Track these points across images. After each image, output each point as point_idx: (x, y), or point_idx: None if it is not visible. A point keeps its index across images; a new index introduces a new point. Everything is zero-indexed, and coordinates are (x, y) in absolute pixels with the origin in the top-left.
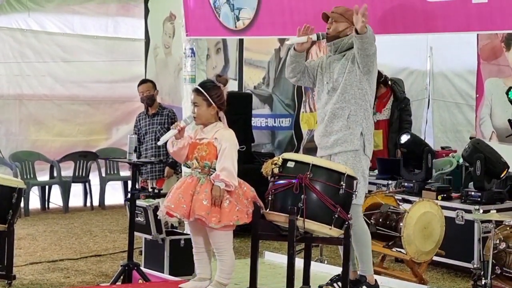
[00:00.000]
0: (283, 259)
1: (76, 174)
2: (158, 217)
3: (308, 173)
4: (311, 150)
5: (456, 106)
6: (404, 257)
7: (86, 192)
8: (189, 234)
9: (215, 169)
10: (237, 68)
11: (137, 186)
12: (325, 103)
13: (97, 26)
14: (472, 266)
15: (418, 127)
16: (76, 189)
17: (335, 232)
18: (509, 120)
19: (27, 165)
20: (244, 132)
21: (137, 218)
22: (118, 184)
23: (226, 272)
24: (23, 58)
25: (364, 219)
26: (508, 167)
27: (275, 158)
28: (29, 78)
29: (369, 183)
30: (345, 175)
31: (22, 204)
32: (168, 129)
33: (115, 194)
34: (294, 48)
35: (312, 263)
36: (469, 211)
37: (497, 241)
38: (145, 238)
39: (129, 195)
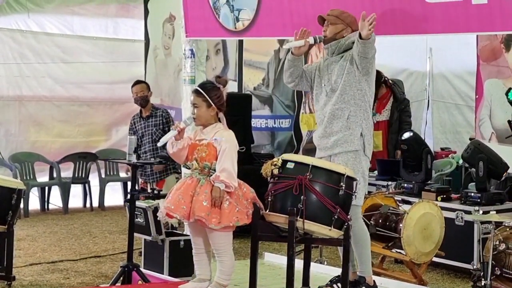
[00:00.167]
0: (282, 260)
1: (76, 175)
2: (158, 218)
3: (307, 174)
4: (311, 151)
5: (456, 107)
6: (403, 258)
7: (86, 193)
8: (188, 235)
9: (215, 170)
10: (237, 69)
11: (136, 187)
12: (324, 104)
13: (96, 27)
14: (471, 267)
15: (417, 128)
16: (76, 190)
17: (334, 233)
18: (508, 121)
19: (27, 166)
20: (243, 133)
21: (136, 219)
22: (118, 185)
23: (226, 273)
24: (22, 59)
25: (364, 220)
26: (508, 168)
27: (275, 159)
28: (28, 79)
29: (369, 184)
30: (345, 176)
31: (21, 205)
32: (163, 129)
33: (114, 195)
34: (291, 52)
35: (312, 264)
36: (468, 212)
37: (497, 242)
38: (145, 239)
39: (128, 196)
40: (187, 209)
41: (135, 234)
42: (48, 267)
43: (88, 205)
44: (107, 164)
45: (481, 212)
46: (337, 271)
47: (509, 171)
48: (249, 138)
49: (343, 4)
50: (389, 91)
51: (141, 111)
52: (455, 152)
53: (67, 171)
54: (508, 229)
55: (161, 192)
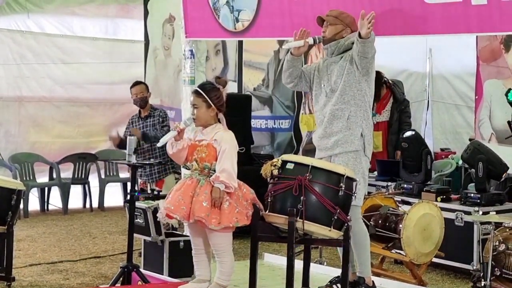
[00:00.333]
0: (282, 260)
1: (76, 175)
2: (158, 219)
3: (307, 174)
4: (311, 151)
5: (456, 108)
6: (403, 258)
7: (86, 194)
8: (188, 236)
9: (214, 170)
10: (237, 69)
11: (136, 188)
12: (324, 105)
13: (96, 28)
14: (471, 267)
15: (417, 128)
16: (76, 191)
17: (334, 233)
18: (508, 122)
19: (27, 166)
20: (243, 134)
21: (136, 220)
22: (118, 186)
23: (226, 274)
24: (22, 59)
25: (364, 221)
26: (508, 169)
27: (275, 160)
28: (28, 80)
29: (369, 184)
30: (345, 176)
31: (21, 206)
32: (159, 128)
33: (114, 196)
34: (291, 52)
35: (312, 264)
36: (468, 213)
37: (497, 243)
38: (145, 240)
39: (128, 197)
40: (187, 209)
41: (135, 235)
42: (47, 267)
43: (88, 205)
44: (106, 164)
45: (480, 212)
46: (337, 272)
47: (509, 171)
48: (249, 139)
49: (342, 5)
50: (389, 92)
51: (140, 111)
52: (454, 153)
53: (67, 171)
54: (508, 230)
55: (160, 193)
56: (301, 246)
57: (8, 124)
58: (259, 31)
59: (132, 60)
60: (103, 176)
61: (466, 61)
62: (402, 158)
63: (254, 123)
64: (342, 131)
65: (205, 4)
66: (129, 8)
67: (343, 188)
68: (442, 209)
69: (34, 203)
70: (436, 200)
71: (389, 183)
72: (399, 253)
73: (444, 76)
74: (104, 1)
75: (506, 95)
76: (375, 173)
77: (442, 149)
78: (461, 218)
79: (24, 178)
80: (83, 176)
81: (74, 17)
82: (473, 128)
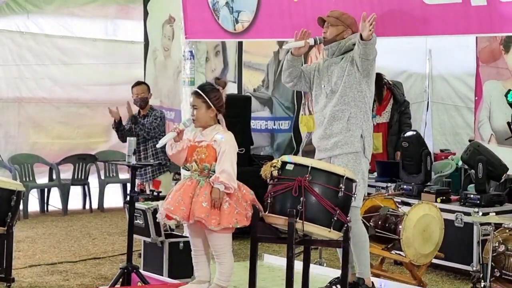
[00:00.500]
0: (282, 261)
1: (75, 176)
2: (157, 220)
3: (307, 175)
4: (310, 152)
5: (455, 109)
6: (403, 259)
7: (85, 195)
8: (188, 237)
9: (214, 171)
10: (236, 70)
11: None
12: (324, 106)
13: (96, 29)
14: (471, 268)
15: (417, 129)
16: (75, 192)
17: (334, 234)
18: (508, 123)
19: (26, 167)
20: (243, 135)
21: (136, 221)
22: (117, 187)
23: (225, 275)
24: (22, 60)
25: (363, 222)
26: (508, 170)
27: (274, 161)
28: (28, 81)
29: (368, 185)
30: (344, 177)
31: (21, 207)
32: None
33: (114, 197)
34: (291, 52)
35: (311, 265)
36: (468, 214)
37: (496, 244)
38: (144, 241)
39: (128, 198)
40: (187, 210)
41: (135, 236)
42: (47, 268)
43: (87, 206)
44: (106, 165)
45: (480, 213)
46: (337, 273)
47: (508, 172)
48: (249, 140)
49: (342, 6)
50: (389, 93)
51: (139, 111)
52: (454, 154)
53: (66, 172)
54: (507, 231)
55: (160, 194)
56: (301, 247)
57: (8, 125)
58: (259, 32)
59: (132, 61)
60: (102, 177)
61: (466, 62)
62: (402, 158)
63: (254, 124)
64: (342, 132)
65: (205, 5)
66: (129, 9)
67: (342, 189)
68: (442, 210)
69: (33, 204)
70: (436, 201)
71: (389, 184)
72: (398, 254)
73: (443, 77)
74: (104, 2)
75: (506, 96)
76: (375, 174)
77: (441, 150)
78: (461, 219)
79: (24, 179)
80: (82, 177)
81: (74, 18)
82: (472, 129)
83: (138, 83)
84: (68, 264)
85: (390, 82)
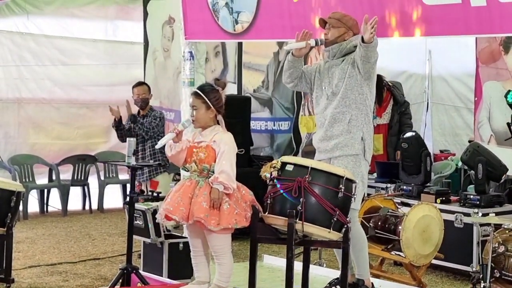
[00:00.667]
0: (282, 262)
1: (75, 177)
2: (157, 220)
3: (307, 176)
4: (310, 153)
5: (455, 110)
6: (403, 260)
7: (85, 196)
8: (187, 238)
9: (213, 172)
10: (236, 71)
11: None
12: (325, 107)
13: (96, 30)
14: (471, 269)
15: (417, 130)
16: (75, 193)
17: (334, 235)
18: (508, 124)
19: (26, 168)
20: (242, 136)
21: (136, 222)
22: (117, 188)
23: (225, 276)
24: (22, 61)
25: (363, 222)
26: (507, 170)
27: (274, 162)
28: (28, 82)
29: (368, 186)
30: (344, 178)
31: (21, 208)
32: (154, 127)
33: (114, 198)
34: (292, 53)
35: (311, 266)
36: (468, 215)
37: (496, 245)
38: (144, 242)
39: (128, 199)
40: (186, 211)
41: (134, 237)
42: (47, 269)
43: (87, 207)
44: (106, 166)
45: (480, 214)
46: (336, 274)
47: (508, 173)
48: (248, 141)
49: (342, 7)
50: (389, 94)
51: (138, 111)
52: (454, 155)
53: (66, 173)
54: (507, 231)
55: (160, 194)
56: (301, 248)
57: (8, 125)
58: (259, 33)
59: (132, 61)
60: (102, 178)
61: (466, 63)
62: (402, 159)
63: (254, 124)
64: (342, 134)
65: (205, 5)
66: (129, 9)
67: (342, 190)
68: (442, 210)
69: (33, 205)
70: (436, 202)
71: (389, 185)
72: (398, 254)
73: (443, 78)
74: (104, 3)
75: (506, 96)
76: (375, 174)
77: (441, 151)
78: (461, 220)
79: (24, 180)
80: (82, 178)
81: (74, 19)
82: (472, 129)
83: (139, 84)
84: (67, 264)
85: (390, 84)
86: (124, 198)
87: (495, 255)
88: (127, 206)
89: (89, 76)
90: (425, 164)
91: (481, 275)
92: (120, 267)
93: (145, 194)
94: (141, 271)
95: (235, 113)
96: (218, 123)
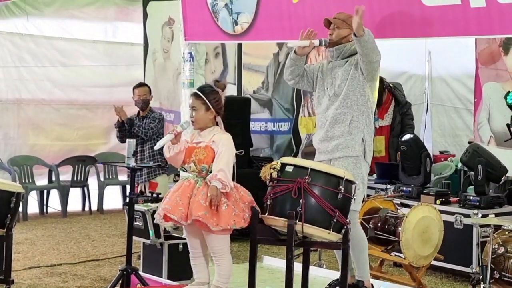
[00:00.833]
0: (281, 263)
1: (75, 178)
2: (155, 221)
3: (306, 177)
4: (310, 154)
5: (455, 111)
6: (402, 261)
7: (85, 197)
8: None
9: (212, 172)
10: (236, 72)
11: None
12: (326, 108)
13: (95, 31)
14: (470, 270)
15: (417, 131)
16: (75, 194)
17: (333, 236)
18: (507, 125)
19: (26, 169)
20: (242, 137)
21: (135, 223)
22: (117, 189)
23: (224, 277)
24: (21, 62)
25: (363, 224)
26: (507, 172)
27: (274, 163)
28: (27, 83)
29: (368, 187)
30: (344, 179)
31: (20, 209)
32: (153, 127)
33: (113, 199)
34: (294, 51)
35: (311, 267)
36: (467, 216)
37: (496, 246)
38: (144, 243)
39: (127, 200)
40: (185, 210)
41: (134, 238)
42: (47, 270)
43: (87, 208)
44: (106, 167)
45: (480, 215)
46: (336, 275)
47: (508, 174)
48: (248, 142)
49: (342, 8)
50: (390, 96)
51: (138, 112)
52: (454, 156)
53: (66, 174)
54: (507, 233)
55: (159, 196)
56: (300, 249)
57: (7, 126)
58: (258, 34)
59: (132, 62)
60: (102, 179)
61: (465, 64)
62: (401, 159)
63: (254, 125)
64: (343, 136)
65: (204, 7)
66: (129, 11)
67: (342, 191)
68: (441, 211)
69: (33, 206)
70: (435, 203)
71: (388, 186)
72: (398, 256)
73: (443, 79)
74: (104, 4)
75: (505, 98)
76: (374, 176)
77: (441, 152)
78: (460, 221)
79: (23, 181)
80: (82, 179)
81: (73, 20)
82: (472, 130)
83: (140, 85)
84: (67, 266)
85: (391, 85)
86: (124, 199)
87: (494, 256)
88: (127, 207)
89: (88, 77)
90: (424, 165)
91: (480, 276)
92: (120, 268)
93: (144, 195)
94: (140, 272)
95: (235, 114)
96: (217, 125)
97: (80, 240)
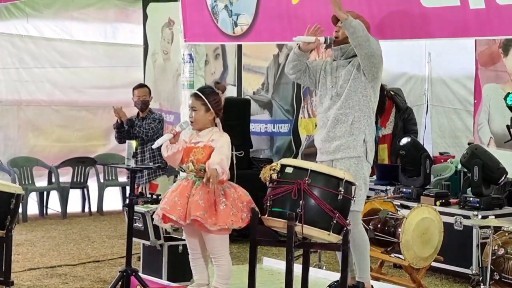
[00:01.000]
0: (281, 265)
1: (75, 179)
2: (154, 221)
3: (306, 178)
4: (310, 155)
5: (455, 112)
6: (402, 263)
7: (85, 198)
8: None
9: None
10: (236, 74)
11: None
12: (328, 108)
13: (95, 32)
14: (470, 272)
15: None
16: (75, 195)
17: (333, 237)
18: (507, 126)
19: (26, 170)
20: (242, 138)
21: (135, 224)
22: (116, 190)
23: (224, 278)
24: (21, 64)
25: (363, 225)
26: (507, 173)
27: (274, 164)
28: (27, 84)
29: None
30: (344, 180)
31: (20, 210)
32: (153, 128)
33: (113, 200)
34: (299, 46)
35: (311, 269)
36: (467, 217)
37: (496, 247)
38: (143, 244)
39: (127, 201)
40: (183, 210)
41: (134, 239)
42: (46, 272)
43: (86, 209)
44: (105, 168)
45: (480, 217)
46: (336, 276)
47: (508, 175)
48: (248, 143)
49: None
50: (391, 103)
51: (138, 113)
52: (453, 157)
53: (65, 175)
54: (507, 234)
55: (159, 197)
56: (300, 250)
57: (7, 128)
58: (258, 35)
59: (131, 64)
60: (102, 180)
61: (465, 65)
62: (401, 161)
63: (254, 127)
64: (345, 136)
65: (204, 8)
66: (128, 12)
67: (342, 192)
68: (441, 213)
69: (33, 207)
70: (435, 204)
71: (388, 187)
72: (398, 257)
73: (443, 80)
74: (103, 5)
75: (505, 99)
76: (374, 177)
77: (441, 153)
78: (460, 222)
79: (23, 182)
80: (82, 180)
81: (73, 21)
82: (472, 132)
83: (140, 86)
84: (67, 267)
85: (392, 92)
86: (124, 200)
87: (494, 257)
88: (127, 208)
89: (88, 78)
90: (424, 167)
91: (480, 278)
92: (120, 269)
93: (144, 196)
94: (140, 274)
95: (235, 116)
96: (216, 126)
97: (80, 242)
